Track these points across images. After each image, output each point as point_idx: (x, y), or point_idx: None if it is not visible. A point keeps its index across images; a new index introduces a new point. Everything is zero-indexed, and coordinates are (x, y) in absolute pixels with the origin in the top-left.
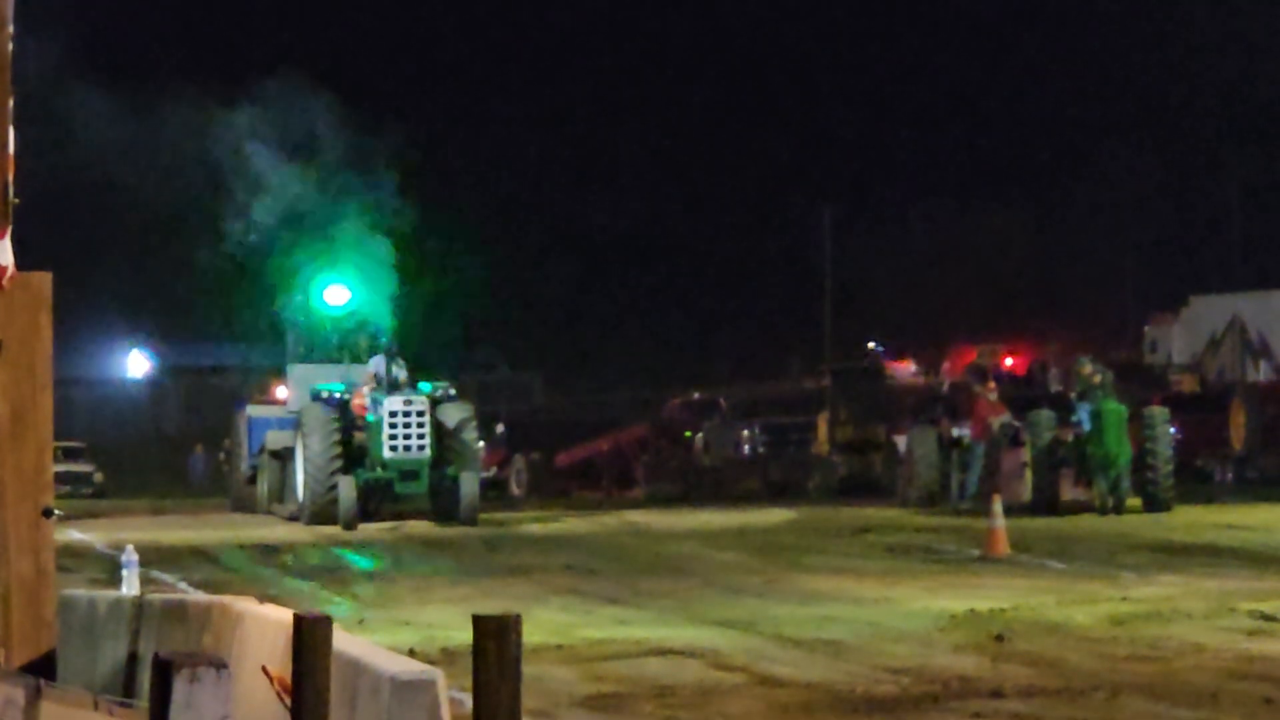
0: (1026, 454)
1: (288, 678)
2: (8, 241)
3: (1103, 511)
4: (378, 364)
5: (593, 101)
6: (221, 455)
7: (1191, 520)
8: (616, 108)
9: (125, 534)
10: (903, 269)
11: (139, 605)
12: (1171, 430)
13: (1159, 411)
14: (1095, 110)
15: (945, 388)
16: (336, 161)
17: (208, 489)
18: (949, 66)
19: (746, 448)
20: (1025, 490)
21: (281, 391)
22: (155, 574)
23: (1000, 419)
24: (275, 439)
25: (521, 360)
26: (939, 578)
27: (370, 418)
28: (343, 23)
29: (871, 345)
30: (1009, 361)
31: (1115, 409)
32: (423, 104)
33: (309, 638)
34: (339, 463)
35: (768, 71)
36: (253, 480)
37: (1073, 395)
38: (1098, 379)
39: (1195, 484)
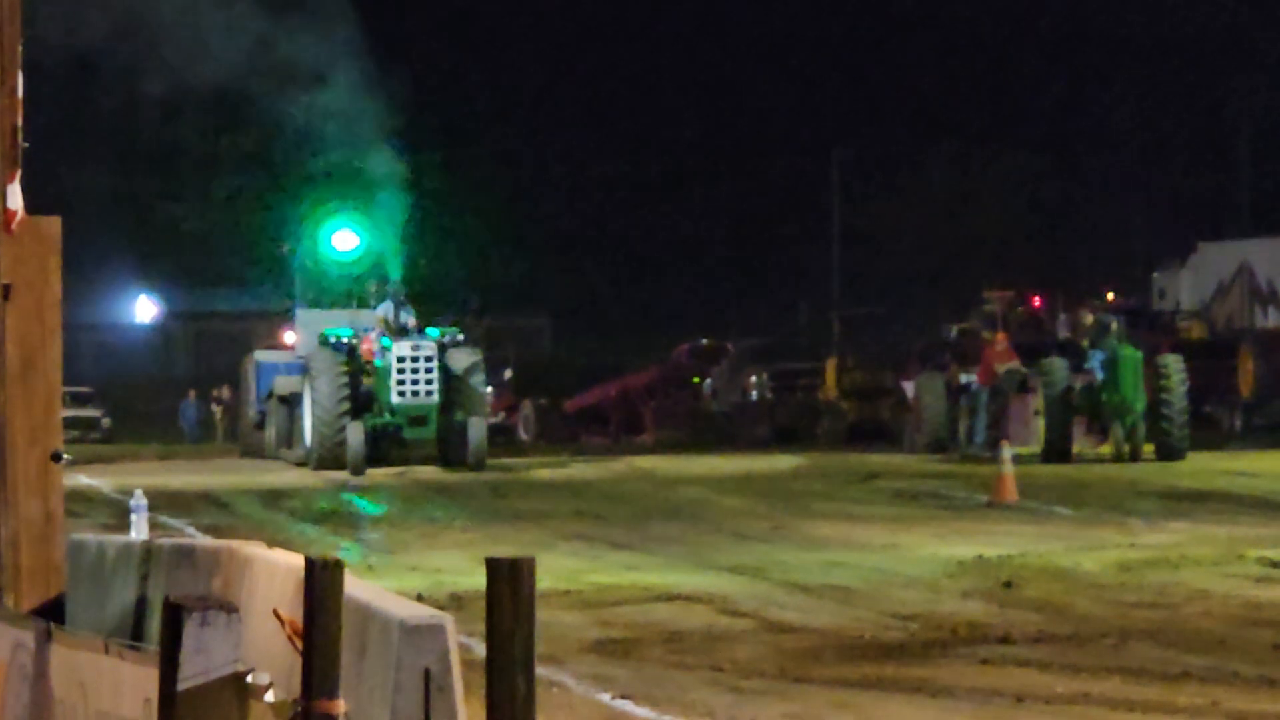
0: (1037, 401)
1: (298, 622)
2: (17, 185)
3: (1119, 459)
4: (386, 309)
5: (599, 43)
6: (214, 404)
7: (1201, 467)
8: (624, 50)
9: (133, 479)
10: (911, 214)
11: (148, 550)
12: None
13: (1174, 359)
14: (1106, 55)
15: (953, 333)
16: (347, 102)
17: (199, 437)
18: (959, 6)
19: (754, 393)
20: (1035, 438)
21: (289, 337)
22: (163, 519)
23: (1007, 366)
24: (283, 384)
25: (530, 306)
26: (947, 524)
27: (378, 363)
28: None
29: None
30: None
31: (1131, 355)
32: (432, 44)
33: (320, 582)
34: (347, 407)
35: (775, 12)
36: (261, 425)
37: (1084, 343)
38: (1115, 325)
39: (1204, 431)
